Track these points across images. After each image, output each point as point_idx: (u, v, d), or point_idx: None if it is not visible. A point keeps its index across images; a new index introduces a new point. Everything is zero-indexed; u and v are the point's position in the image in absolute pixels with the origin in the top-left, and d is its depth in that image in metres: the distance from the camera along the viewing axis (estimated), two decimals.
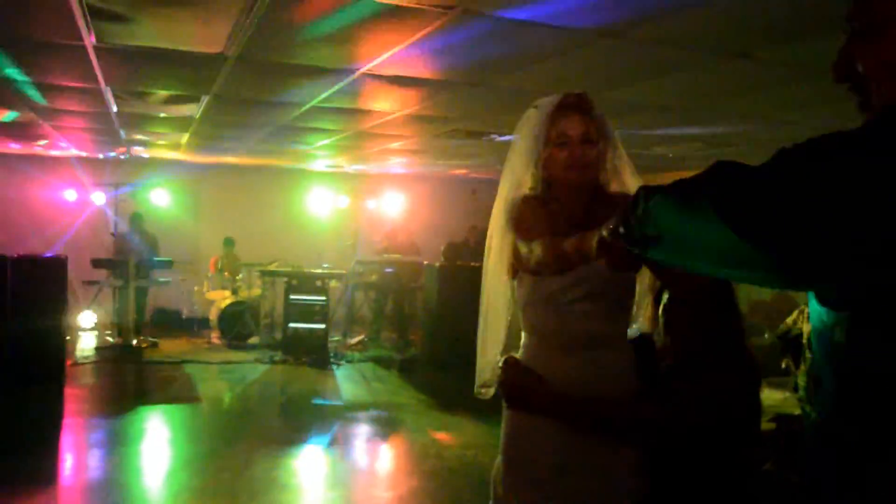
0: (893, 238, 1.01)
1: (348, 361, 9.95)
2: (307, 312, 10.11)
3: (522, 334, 2.45)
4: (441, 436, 6.67)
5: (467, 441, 6.32)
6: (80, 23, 3.63)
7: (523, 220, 2.36)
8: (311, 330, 10.02)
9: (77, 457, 6.27)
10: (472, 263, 8.88)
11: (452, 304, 9.00)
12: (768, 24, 3.25)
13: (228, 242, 11.77)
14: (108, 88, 5.42)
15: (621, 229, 1.50)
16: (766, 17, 3.12)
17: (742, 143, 7.15)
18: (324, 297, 10.18)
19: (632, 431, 2.30)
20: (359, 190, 13.41)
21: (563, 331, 2.32)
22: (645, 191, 1.38)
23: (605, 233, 1.66)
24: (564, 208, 2.33)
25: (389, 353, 10.41)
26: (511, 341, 2.52)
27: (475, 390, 2.60)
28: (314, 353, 9.81)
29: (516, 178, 2.47)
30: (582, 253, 1.97)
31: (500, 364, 2.46)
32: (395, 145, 8.71)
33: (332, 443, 6.67)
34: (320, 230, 12.80)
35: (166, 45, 4.04)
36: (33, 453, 6.04)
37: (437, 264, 9.96)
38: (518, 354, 2.44)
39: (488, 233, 2.55)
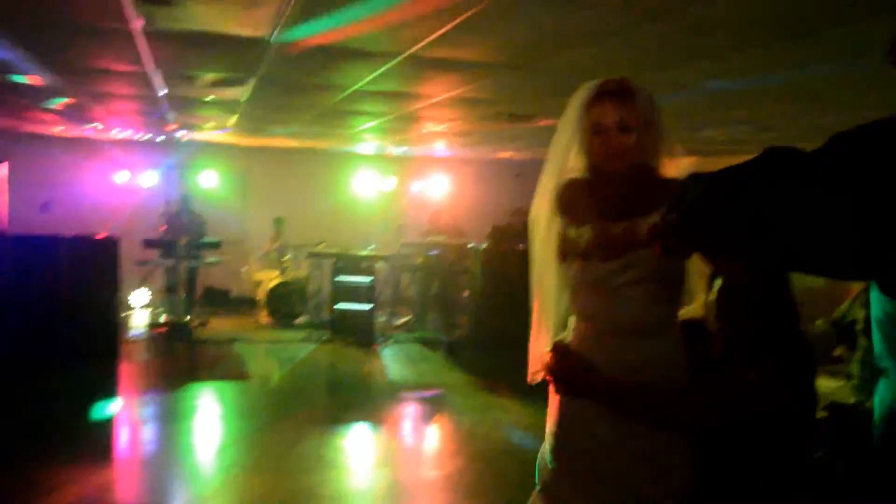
0: None
1: (394, 342, 10.00)
2: (353, 293, 10.17)
3: (572, 319, 2.42)
4: (487, 417, 6.67)
5: (514, 423, 6.31)
6: (128, 7, 3.65)
7: (572, 204, 2.31)
8: (357, 310, 10.07)
9: (132, 431, 6.41)
10: (517, 247, 8.83)
11: (498, 287, 8.96)
12: (825, 4, 3.15)
13: (279, 222, 11.87)
14: (157, 72, 5.47)
15: (671, 217, 1.46)
16: None
17: (791, 128, 6.98)
18: (370, 279, 10.23)
19: (683, 420, 2.25)
20: (404, 172, 13.42)
21: (613, 316, 2.28)
22: (694, 178, 1.34)
23: (657, 219, 1.62)
24: (614, 193, 2.27)
25: (435, 335, 10.43)
26: (562, 327, 2.48)
27: (529, 376, 2.57)
28: (360, 334, 9.87)
29: (560, 163, 2.43)
30: (632, 239, 1.92)
31: (552, 350, 2.43)
32: (440, 128, 8.67)
33: (379, 422, 6.71)
34: (366, 212, 12.86)
35: (212, 29, 4.05)
36: (90, 428, 6.18)
37: (483, 247, 9.93)
38: (568, 340, 2.41)
39: (531, 217, 2.51)
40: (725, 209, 1.22)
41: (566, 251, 2.34)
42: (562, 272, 2.42)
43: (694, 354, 2.37)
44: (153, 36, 4.32)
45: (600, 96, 2.23)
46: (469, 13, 3.44)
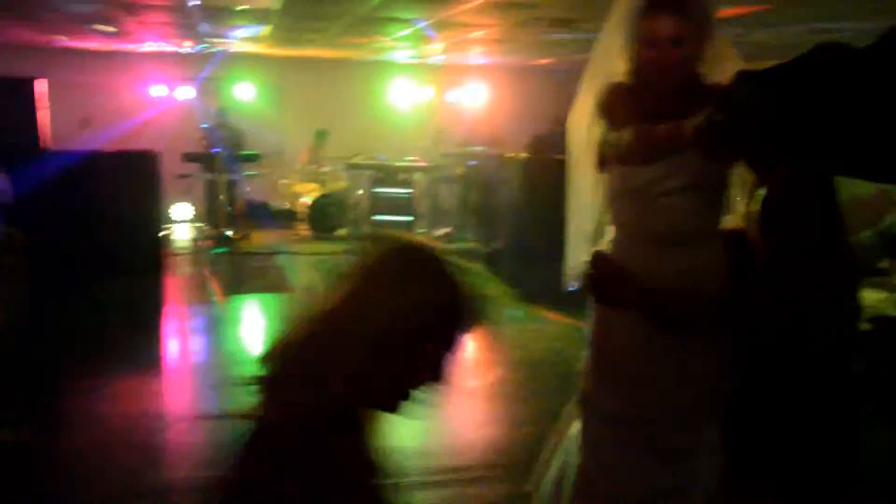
0: None
1: None
2: (392, 205, 10.22)
3: (611, 229, 2.41)
4: (527, 327, 6.74)
5: (553, 333, 6.38)
6: None
7: (614, 107, 2.28)
8: (396, 222, 10.13)
9: (180, 341, 6.61)
10: (557, 156, 8.72)
11: (537, 197, 8.90)
12: None
13: (321, 134, 11.82)
14: None
15: (719, 116, 1.43)
16: None
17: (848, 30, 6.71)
18: (409, 190, 10.24)
19: (722, 328, 2.26)
20: (441, 81, 13.21)
21: (654, 225, 2.28)
22: (743, 76, 1.31)
23: (702, 119, 1.58)
24: (658, 101, 2.23)
25: (475, 246, 10.46)
26: (600, 236, 2.48)
27: (563, 282, 2.59)
28: None
29: (604, 69, 2.38)
30: (675, 139, 1.89)
31: (590, 258, 2.43)
32: (476, 34, 8.49)
33: None
34: (404, 122, 12.75)
35: None
36: (139, 338, 6.39)
37: (522, 156, 9.84)
38: (606, 248, 2.41)
39: (570, 124, 2.48)
40: (775, 108, 1.20)
41: (606, 156, 2.32)
42: (601, 180, 2.41)
43: (735, 265, 2.36)
44: None
45: (655, 7, 2.17)
46: None
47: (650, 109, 2.22)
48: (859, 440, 2.16)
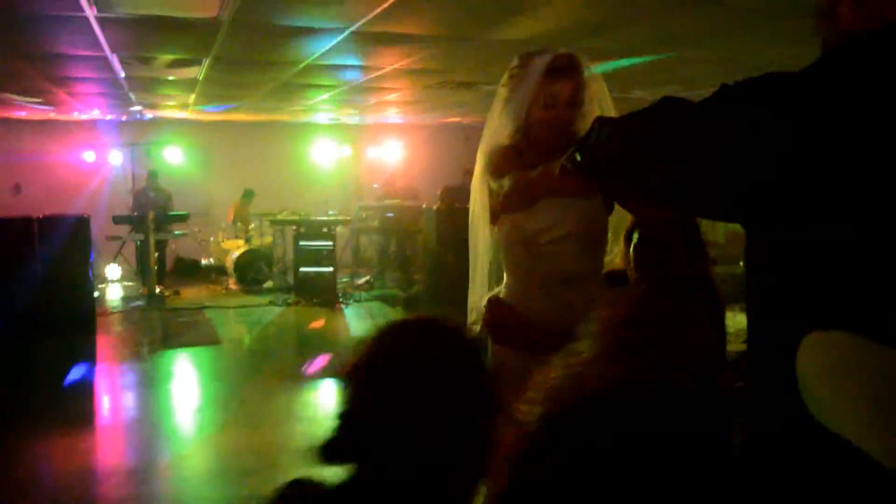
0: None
1: (356, 301, 10.03)
2: (316, 257, 10.14)
3: (504, 275, 2.48)
4: None
5: None
6: None
7: (499, 164, 2.35)
8: (320, 273, 10.06)
9: (112, 398, 6.39)
10: (468, 205, 8.84)
11: (450, 244, 9.01)
12: None
13: (248, 194, 11.71)
14: (115, 55, 5.37)
15: (577, 156, 1.50)
16: None
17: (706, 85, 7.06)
18: (331, 242, 10.21)
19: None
20: (360, 140, 13.33)
21: (541, 270, 2.34)
22: (600, 122, 1.40)
23: (565, 159, 1.65)
24: (539, 160, 2.31)
25: (394, 292, 10.49)
26: (495, 281, 2.55)
27: (468, 327, 2.63)
28: (324, 295, 9.88)
29: (498, 128, 2.46)
30: (546, 178, 1.95)
31: (485, 303, 2.49)
32: (391, 97, 8.63)
33: None
34: (325, 179, 12.77)
35: (163, 13, 3.98)
36: (71, 397, 6.14)
37: (435, 207, 9.96)
38: (501, 293, 2.47)
39: (471, 186, 2.56)
40: (622, 149, 1.28)
41: (495, 208, 2.39)
42: (493, 232, 2.48)
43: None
44: (108, 21, 4.24)
45: (555, 72, 2.22)
46: None
47: (532, 165, 2.31)
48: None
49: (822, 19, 1.14)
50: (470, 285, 2.62)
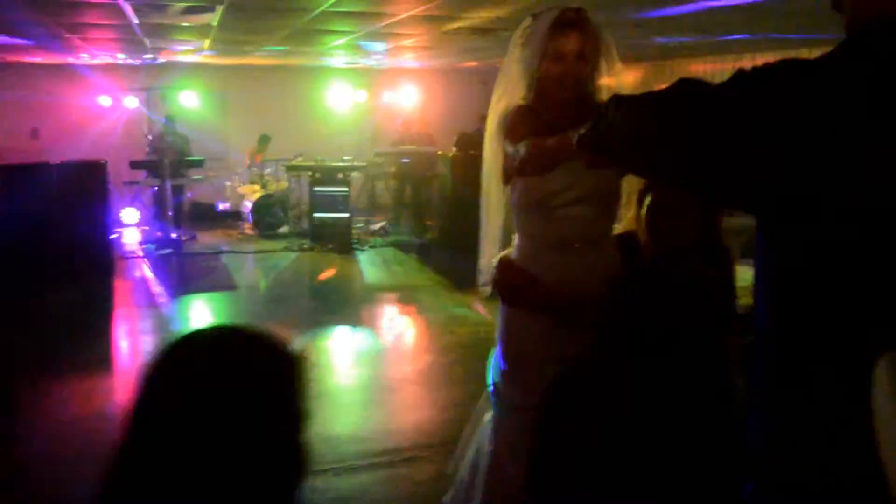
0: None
1: (371, 247, 10.06)
2: (331, 203, 10.14)
3: (515, 235, 2.47)
4: (455, 314, 6.81)
5: (479, 318, 6.44)
6: None
7: (514, 126, 2.33)
8: (335, 219, 10.07)
9: (130, 343, 6.48)
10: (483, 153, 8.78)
11: (465, 191, 8.97)
12: None
13: (264, 139, 11.65)
14: (127, 3, 5.29)
15: (592, 132, 1.49)
16: None
17: (739, 30, 6.89)
18: (346, 188, 10.19)
19: (617, 323, 2.33)
20: (376, 84, 13.17)
21: (553, 233, 2.34)
22: (616, 100, 1.37)
23: (582, 132, 1.63)
24: (553, 120, 2.28)
25: (408, 238, 10.49)
26: (506, 242, 2.53)
27: (479, 288, 2.64)
28: (339, 241, 9.90)
29: (510, 87, 2.44)
30: (562, 150, 1.93)
31: (496, 264, 2.48)
32: (407, 42, 8.48)
33: (357, 323, 6.83)
34: (341, 124, 12.66)
35: None
36: (92, 341, 6.24)
37: (451, 154, 9.89)
38: (512, 254, 2.46)
39: (484, 143, 2.53)
40: (637, 133, 1.26)
41: (508, 171, 2.37)
42: (505, 193, 2.46)
43: (628, 264, 2.44)
44: None
45: (562, 26, 2.23)
46: None
47: (547, 124, 2.28)
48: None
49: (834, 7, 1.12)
50: (480, 245, 2.61)
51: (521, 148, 2.20)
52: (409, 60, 11.69)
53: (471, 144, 10.11)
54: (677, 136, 1.14)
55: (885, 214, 0.93)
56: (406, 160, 11.09)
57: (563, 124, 2.25)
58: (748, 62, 8.45)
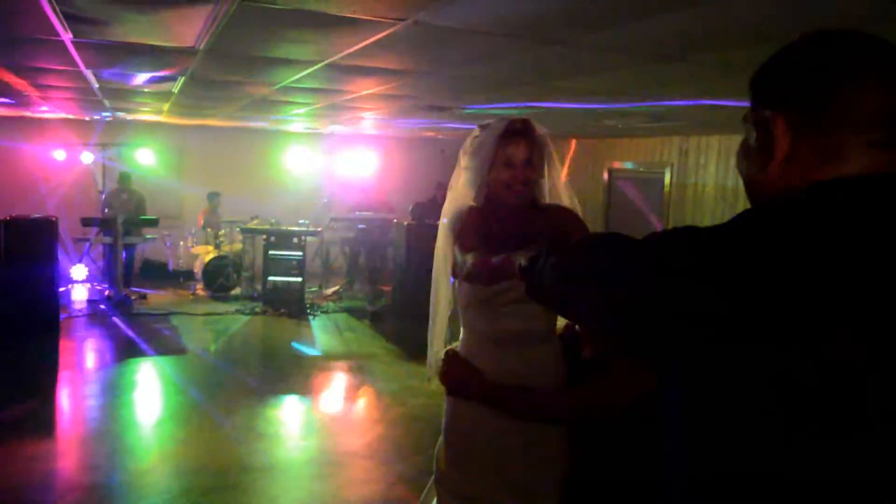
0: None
1: (324, 312, 10.06)
2: (285, 267, 10.17)
3: (461, 329, 2.57)
4: (407, 385, 6.85)
5: (430, 390, 6.47)
6: (57, 23, 3.60)
7: (464, 232, 2.47)
8: (288, 283, 10.10)
9: (73, 407, 6.36)
10: (436, 222, 8.94)
11: (420, 260, 9.07)
12: (692, 35, 3.31)
13: (213, 196, 11.68)
14: (89, 71, 5.37)
15: (529, 273, 1.59)
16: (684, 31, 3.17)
17: (679, 118, 7.23)
18: (301, 253, 10.23)
19: (556, 417, 2.43)
20: (334, 149, 13.34)
21: (497, 330, 2.44)
22: (549, 247, 1.47)
23: (522, 261, 1.72)
24: (502, 223, 2.43)
25: (362, 304, 10.53)
26: (453, 334, 2.64)
27: (427, 378, 2.73)
28: (292, 305, 9.91)
29: (460, 192, 2.58)
30: (506, 271, 2.06)
31: (442, 356, 2.58)
32: (366, 115, 8.68)
33: (307, 392, 6.82)
34: (297, 188, 12.77)
35: (140, 41, 4.01)
36: (31, 403, 6.12)
37: (406, 223, 10.03)
38: (458, 347, 2.56)
39: (436, 245, 2.65)
40: (559, 287, 1.36)
41: (455, 273, 2.50)
42: (453, 289, 2.58)
43: (570, 359, 2.55)
44: (83, 46, 4.26)
45: (511, 135, 2.39)
46: (380, 35, 3.50)
47: (495, 228, 2.43)
48: None
49: (751, 168, 1.21)
50: (429, 337, 2.71)
51: (469, 259, 2.34)
52: (368, 128, 11.91)
53: (426, 213, 10.31)
54: (591, 297, 1.22)
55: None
56: (362, 226, 11.22)
57: (510, 226, 2.41)
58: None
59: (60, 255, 8.70)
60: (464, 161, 2.52)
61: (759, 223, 1.07)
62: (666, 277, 1.06)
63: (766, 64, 1.17)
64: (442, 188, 11.92)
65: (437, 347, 2.64)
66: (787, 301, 0.98)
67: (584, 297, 1.23)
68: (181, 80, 5.80)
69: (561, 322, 2.63)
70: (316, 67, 4.73)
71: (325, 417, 6.29)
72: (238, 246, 11.34)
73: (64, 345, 7.98)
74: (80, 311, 9.60)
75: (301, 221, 11.05)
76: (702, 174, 8.95)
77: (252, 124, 11.61)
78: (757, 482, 1.03)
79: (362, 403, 6.73)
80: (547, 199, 2.53)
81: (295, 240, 10.34)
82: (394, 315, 9.77)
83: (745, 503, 1.05)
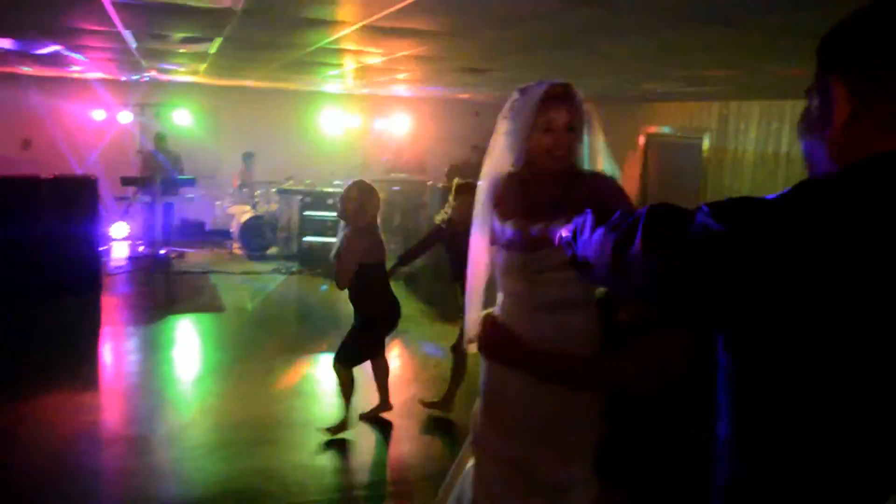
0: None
1: None
2: (320, 227, 10.24)
3: (498, 294, 2.57)
4: (440, 345, 6.88)
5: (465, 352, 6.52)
6: None
7: (503, 198, 2.45)
8: (324, 243, 10.16)
9: (115, 362, 6.52)
10: (474, 182, 8.89)
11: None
12: None
13: (248, 156, 11.75)
14: (128, 31, 5.39)
15: (567, 244, 1.57)
16: None
17: (719, 84, 7.07)
18: (335, 214, 10.25)
19: (592, 383, 2.43)
20: (369, 111, 13.31)
21: (534, 295, 2.43)
22: (594, 219, 1.44)
23: (564, 233, 1.70)
24: (542, 189, 2.40)
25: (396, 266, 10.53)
26: (491, 299, 2.64)
27: (465, 343, 2.73)
28: (327, 265, 9.95)
29: (499, 158, 2.54)
30: (545, 240, 2.06)
31: (481, 321, 2.58)
32: (400, 76, 8.63)
33: None
34: (332, 149, 12.77)
35: (178, 1, 4.01)
36: (75, 359, 6.28)
37: (440, 184, 10.00)
38: (496, 312, 2.56)
39: (475, 208, 2.61)
40: (602, 258, 1.34)
41: (494, 239, 2.49)
42: (491, 253, 2.57)
43: (607, 325, 2.54)
44: (122, 6, 4.27)
45: (551, 100, 2.34)
46: None
47: (534, 194, 2.41)
48: None
49: (810, 137, 1.16)
50: (467, 301, 2.71)
51: (508, 229, 2.32)
52: (403, 90, 11.84)
53: (462, 176, 10.22)
54: (636, 267, 1.20)
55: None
56: (396, 188, 11.21)
57: (550, 193, 2.38)
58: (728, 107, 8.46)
59: (101, 214, 8.83)
60: (502, 126, 2.48)
61: (812, 197, 1.04)
62: (723, 248, 1.04)
63: (834, 28, 1.12)
64: (478, 150, 11.86)
65: (474, 312, 2.64)
66: (841, 278, 0.96)
67: (636, 270, 1.20)
68: (217, 40, 5.81)
69: (599, 289, 2.62)
70: (353, 28, 4.70)
71: (361, 377, 6.35)
72: (274, 206, 11.42)
73: (106, 301, 8.15)
74: (120, 268, 9.77)
75: (335, 182, 11.06)
76: (742, 140, 8.78)
77: (287, 85, 11.60)
78: (807, 447, 1.03)
79: (397, 363, 6.79)
80: (586, 165, 2.49)
81: (330, 201, 10.37)
82: (429, 276, 9.78)
83: (796, 469, 1.05)
